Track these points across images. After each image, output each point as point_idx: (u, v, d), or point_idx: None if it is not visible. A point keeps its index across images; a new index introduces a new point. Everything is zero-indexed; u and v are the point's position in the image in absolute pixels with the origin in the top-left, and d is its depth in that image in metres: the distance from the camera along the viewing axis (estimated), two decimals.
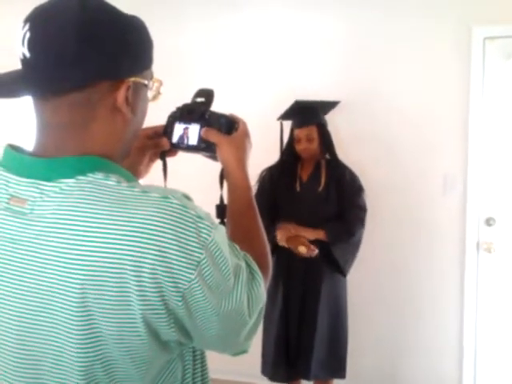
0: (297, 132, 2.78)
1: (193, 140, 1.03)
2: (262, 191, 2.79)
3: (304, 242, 2.64)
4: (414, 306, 3.30)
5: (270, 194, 2.76)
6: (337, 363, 2.78)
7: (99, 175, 0.73)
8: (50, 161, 0.74)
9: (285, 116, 2.85)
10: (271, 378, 2.83)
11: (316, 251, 2.63)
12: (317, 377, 2.77)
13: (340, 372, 2.78)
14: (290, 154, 2.83)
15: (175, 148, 1.05)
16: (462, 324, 3.22)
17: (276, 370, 2.78)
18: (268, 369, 2.81)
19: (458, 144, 3.16)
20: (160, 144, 1.04)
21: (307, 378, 2.77)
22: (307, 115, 2.79)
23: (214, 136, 1.00)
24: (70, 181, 0.72)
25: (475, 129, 3.12)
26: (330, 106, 2.92)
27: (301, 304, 2.74)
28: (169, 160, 1.08)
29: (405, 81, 3.21)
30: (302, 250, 2.62)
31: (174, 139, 1.04)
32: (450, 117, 3.17)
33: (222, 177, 1.06)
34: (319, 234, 2.68)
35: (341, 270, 2.75)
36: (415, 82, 3.20)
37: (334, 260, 2.71)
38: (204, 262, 0.70)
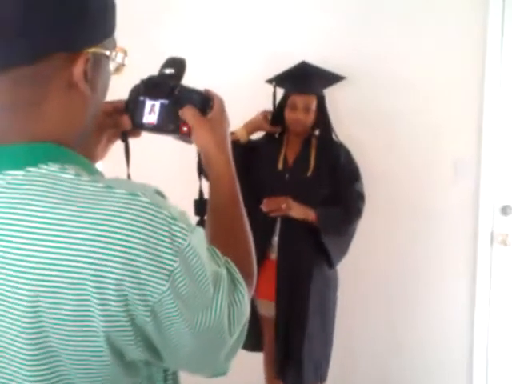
0: (294, 98, 2.42)
1: (159, 119, 0.91)
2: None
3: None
4: (419, 306, 3.01)
5: (254, 171, 2.45)
6: (322, 366, 2.52)
7: (54, 167, 0.66)
8: None
9: (283, 77, 2.50)
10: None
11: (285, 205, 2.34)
12: (309, 381, 2.47)
13: (324, 374, 2.54)
14: (277, 123, 2.50)
15: (138, 128, 0.94)
16: (472, 326, 2.96)
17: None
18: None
19: (471, 125, 2.85)
20: (120, 123, 0.93)
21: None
22: (312, 81, 2.45)
23: (191, 118, 0.90)
24: (19, 173, 0.65)
25: (490, 107, 2.81)
26: (334, 79, 2.57)
27: (289, 301, 2.43)
28: (134, 142, 0.96)
29: (413, 53, 2.87)
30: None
31: (137, 118, 0.93)
32: (462, 94, 2.84)
33: (200, 165, 0.97)
34: (309, 215, 2.35)
35: (330, 262, 2.45)
36: (425, 55, 2.85)
37: (323, 250, 2.40)
38: (178, 270, 0.64)
